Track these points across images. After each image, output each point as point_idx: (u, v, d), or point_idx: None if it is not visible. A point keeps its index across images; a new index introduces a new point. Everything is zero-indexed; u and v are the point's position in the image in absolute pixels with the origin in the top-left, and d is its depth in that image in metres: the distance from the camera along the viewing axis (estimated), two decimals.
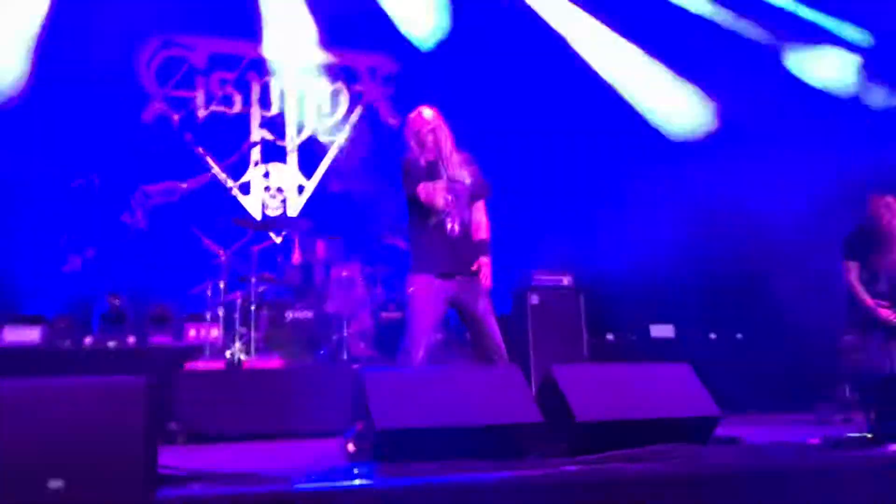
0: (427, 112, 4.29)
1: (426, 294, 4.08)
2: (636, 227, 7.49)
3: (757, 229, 7.44)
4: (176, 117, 8.73)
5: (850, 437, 3.43)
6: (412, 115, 4.34)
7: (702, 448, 3.33)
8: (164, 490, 2.37)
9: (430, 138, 4.16)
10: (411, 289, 4.14)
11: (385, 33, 8.93)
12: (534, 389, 3.74)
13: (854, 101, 8.13)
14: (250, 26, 8.79)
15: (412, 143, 4.27)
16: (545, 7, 8.99)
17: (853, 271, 5.28)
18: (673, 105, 8.82)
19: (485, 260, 4.15)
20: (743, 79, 8.07)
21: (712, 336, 7.81)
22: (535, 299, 7.25)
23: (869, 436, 3.42)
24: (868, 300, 5.17)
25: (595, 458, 2.97)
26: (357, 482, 2.54)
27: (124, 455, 2.27)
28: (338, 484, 2.51)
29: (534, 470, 2.82)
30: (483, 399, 3.30)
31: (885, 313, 5.13)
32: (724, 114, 8.57)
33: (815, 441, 3.49)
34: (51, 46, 7.79)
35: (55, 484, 2.17)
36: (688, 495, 2.71)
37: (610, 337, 7.70)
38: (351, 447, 3.43)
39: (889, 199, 5.33)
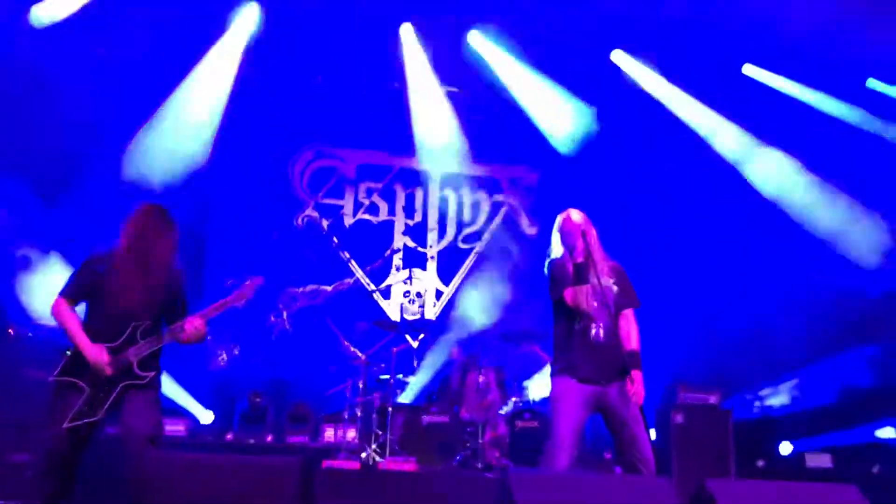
0: (576, 215, 4.25)
1: (569, 397, 3.99)
2: (792, 347, 7.04)
3: None
4: (325, 223, 9.15)
5: None
6: (561, 217, 4.29)
7: None
8: None
9: (579, 241, 4.12)
10: (554, 392, 4.06)
11: (525, 145, 9.14)
12: None
13: None
14: (397, 140, 9.22)
15: (560, 246, 4.24)
16: (687, 113, 8.60)
17: None
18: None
19: (637, 374, 3.98)
20: None
21: (875, 469, 7.12)
22: (679, 418, 6.89)
23: None
24: None
25: None
26: None
27: None
28: None
29: None
30: None
31: None
32: None
33: None
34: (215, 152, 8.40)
35: None
36: None
37: (760, 463, 7.16)
38: None
39: None
